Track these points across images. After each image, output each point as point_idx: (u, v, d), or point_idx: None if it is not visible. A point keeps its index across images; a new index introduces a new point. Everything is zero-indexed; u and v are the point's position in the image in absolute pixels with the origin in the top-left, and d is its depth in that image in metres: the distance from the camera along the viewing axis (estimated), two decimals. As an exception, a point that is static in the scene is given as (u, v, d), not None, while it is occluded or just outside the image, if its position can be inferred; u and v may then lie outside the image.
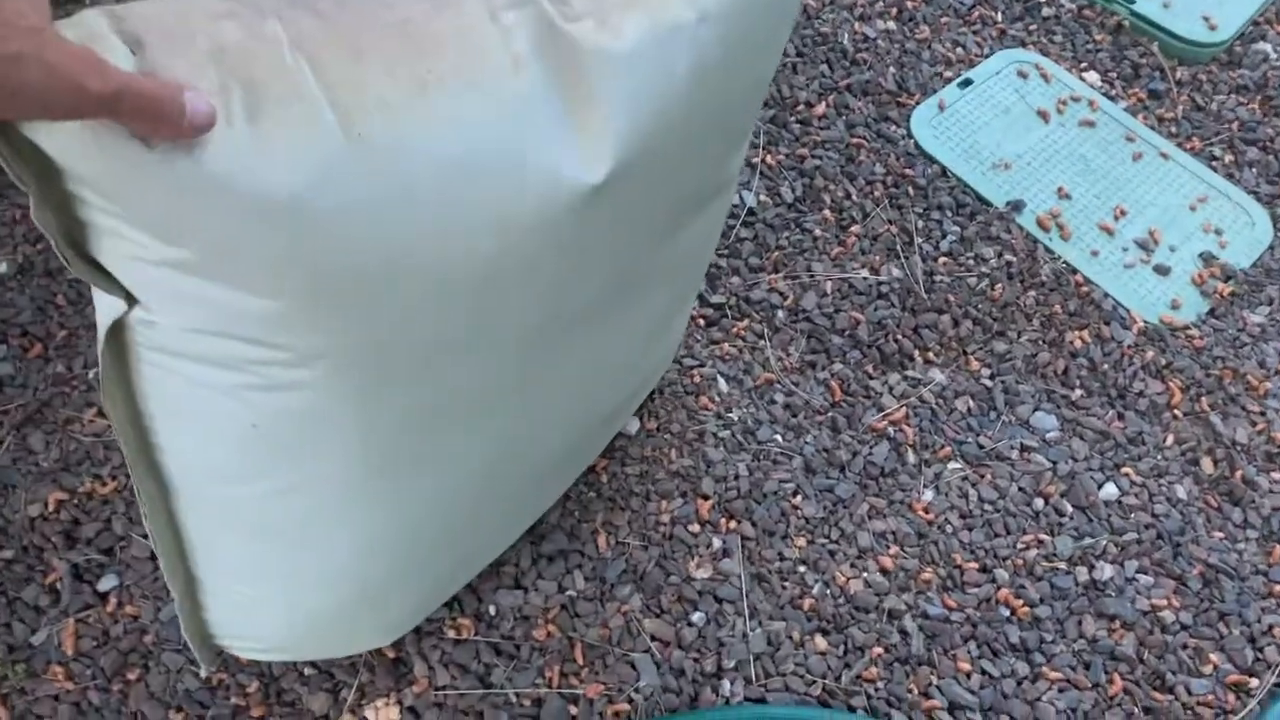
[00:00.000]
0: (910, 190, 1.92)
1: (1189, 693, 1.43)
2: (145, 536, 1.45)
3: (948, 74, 2.12)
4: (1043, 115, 2.08)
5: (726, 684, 1.40)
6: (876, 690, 1.41)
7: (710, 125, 0.98)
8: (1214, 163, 2.08)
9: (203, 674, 1.26)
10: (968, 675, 1.43)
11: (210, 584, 1.12)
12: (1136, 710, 1.42)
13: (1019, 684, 1.42)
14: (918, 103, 2.06)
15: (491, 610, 1.43)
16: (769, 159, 1.92)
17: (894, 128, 2.01)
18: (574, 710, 1.38)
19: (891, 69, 2.10)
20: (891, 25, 2.17)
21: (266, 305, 0.75)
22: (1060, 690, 1.42)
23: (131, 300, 0.78)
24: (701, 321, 1.72)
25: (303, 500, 0.97)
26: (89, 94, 0.55)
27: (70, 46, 0.55)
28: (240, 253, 0.70)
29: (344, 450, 0.92)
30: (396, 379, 0.87)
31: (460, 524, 1.17)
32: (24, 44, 0.51)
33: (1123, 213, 1.96)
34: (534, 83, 0.77)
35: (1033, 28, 2.24)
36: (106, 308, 0.79)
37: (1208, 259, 1.91)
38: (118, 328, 0.80)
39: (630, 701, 1.38)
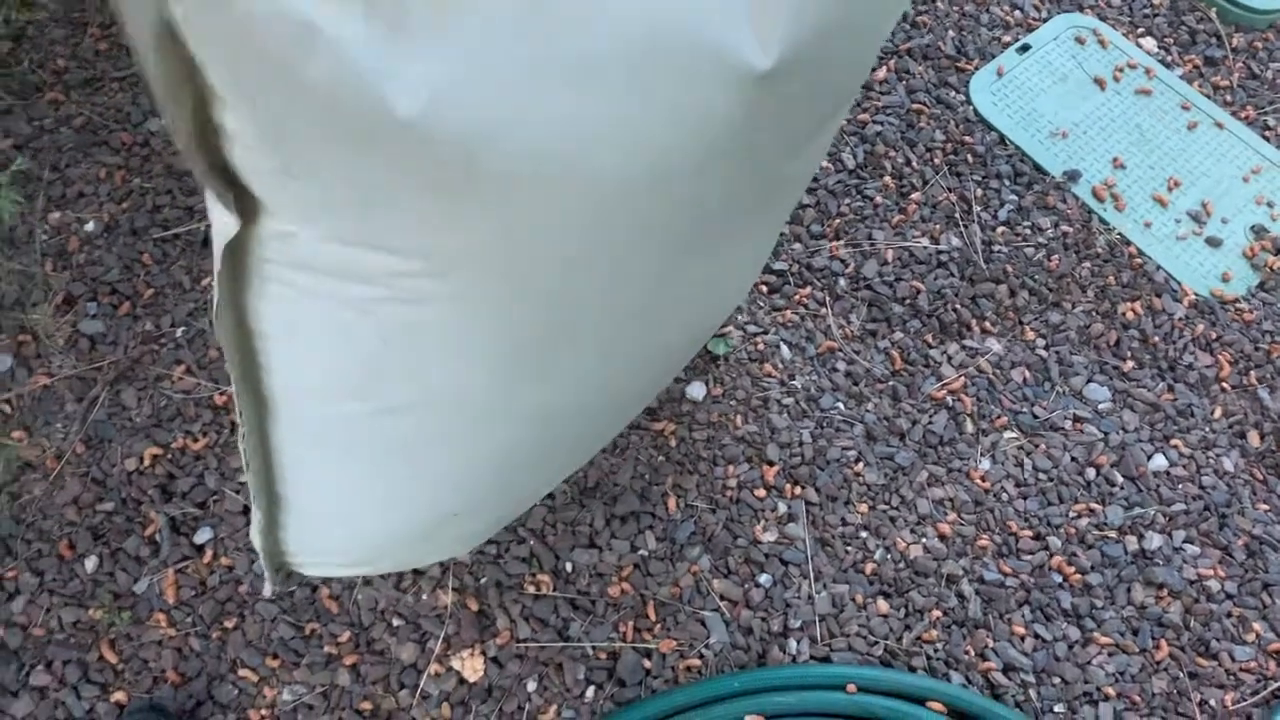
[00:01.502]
0: (969, 158, 1.95)
1: (1232, 659, 1.50)
2: (238, 491, 1.51)
3: (1006, 38, 2.13)
4: (1099, 83, 2.09)
5: (793, 643, 1.47)
6: (935, 651, 1.48)
7: (864, 27, 0.93)
8: (1267, 133, 2.10)
9: (267, 592, 1.29)
10: (1022, 639, 1.50)
11: (297, 503, 1.11)
12: (1182, 675, 1.49)
13: (1070, 648, 1.50)
14: (976, 68, 2.07)
15: (569, 567, 1.50)
16: (830, 125, 1.94)
17: (953, 93, 2.03)
18: (648, 664, 1.45)
19: (951, 32, 2.11)
20: (951, -13, 2.17)
21: (412, 209, 0.72)
22: (1110, 655, 1.49)
23: (248, 217, 0.75)
24: (764, 288, 1.77)
25: (413, 419, 0.95)
26: None
27: None
28: (385, 160, 0.68)
29: (468, 368, 0.90)
30: (532, 294, 0.84)
31: (558, 443, 1.17)
32: None
33: (1176, 184, 1.98)
34: None
35: (1091, -9, 2.23)
36: (222, 226, 0.77)
37: (1259, 232, 1.94)
38: (236, 246, 0.78)
39: (701, 657, 1.46)
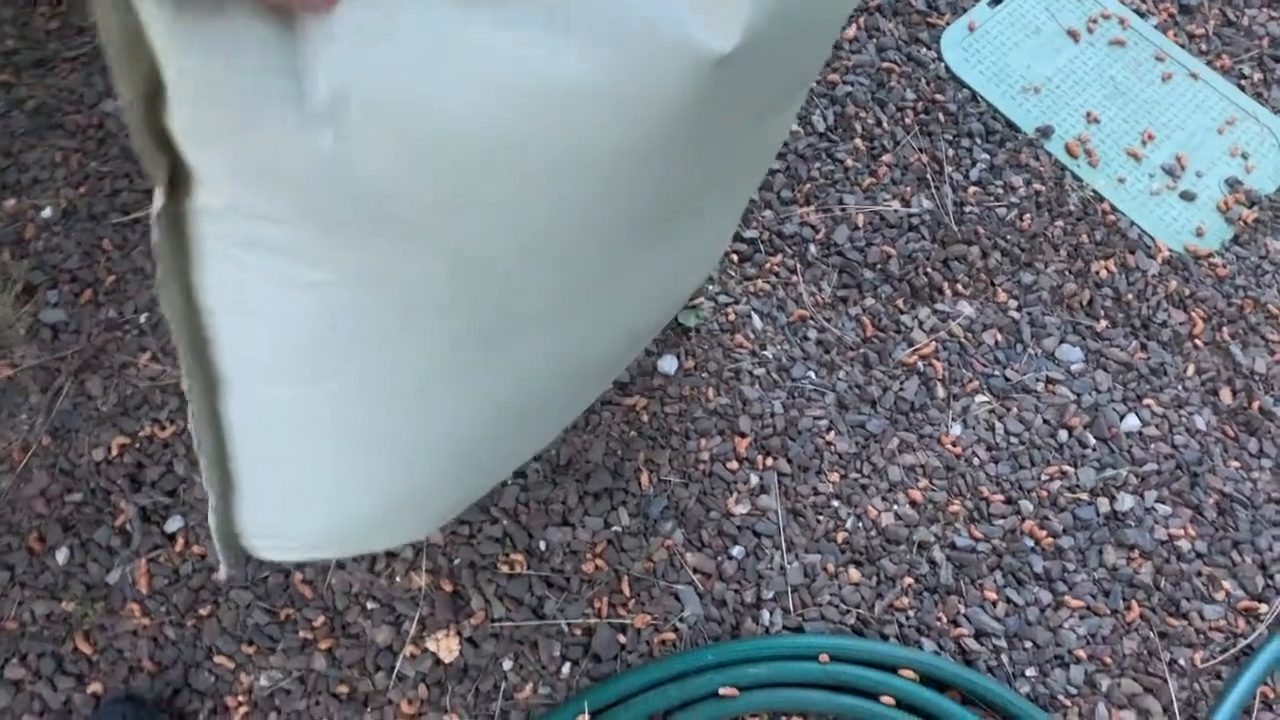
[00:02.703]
0: (941, 116, 1.92)
1: (1202, 618, 1.52)
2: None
3: (978, -9, 2.09)
4: (1073, 35, 2.06)
5: (766, 614, 1.48)
6: (907, 619, 1.49)
7: (827, 6, 0.92)
8: (1243, 82, 2.07)
9: (222, 575, 1.24)
10: (994, 604, 1.51)
11: (249, 484, 1.08)
12: (1152, 635, 1.50)
13: (1042, 611, 1.51)
14: (948, 23, 2.03)
15: (542, 546, 1.51)
16: (800, 86, 1.91)
17: (924, 50, 2.00)
18: (623, 639, 1.46)
19: (922, -13, 2.07)
20: (922, -61, 2.13)
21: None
22: (1081, 617, 1.51)
23: (174, 188, 0.73)
24: (735, 257, 1.75)
25: (367, 400, 0.93)
26: None
27: None
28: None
29: (422, 350, 0.89)
30: (485, 277, 0.83)
31: (519, 423, 1.15)
32: None
33: (1150, 137, 1.96)
34: None
35: (1065, -61, 2.19)
36: (156, 196, 0.75)
37: (1233, 184, 1.93)
38: (178, 218, 0.75)
39: (675, 630, 1.47)
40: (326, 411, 0.93)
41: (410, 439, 1.02)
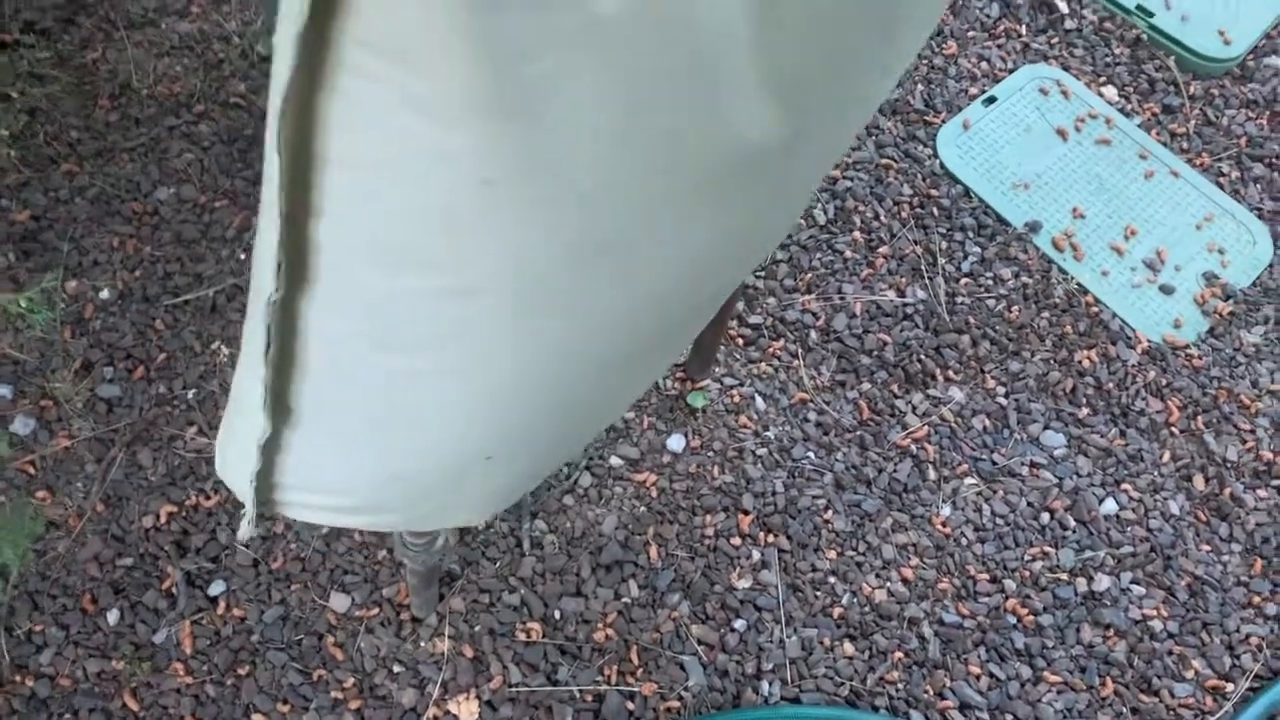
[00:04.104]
0: (935, 211, 2.05)
1: (1172, 695, 1.62)
2: (247, 545, 1.62)
3: (973, 90, 2.23)
4: (1061, 134, 2.20)
5: (765, 685, 1.59)
6: (897, 691, 1.60)
7: None
8: (1221, 179, 2.20)
9: (242, 534, 1.05)
10: (978, 678, 1.62)
11: (311, 414, 0.91)
12: (1125, 711, 1.61)
13: (1022, 686, 1.61)
14: (944, 121, 2.17)
15: (557, 615, 1.62)
16: (804, 181, 2.04)
17: (921, 147, 2.13)
18: (631, 706, 1.57)
19: (920, 86, 2.21)
20: (920, 41, 2.27)
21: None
22: (1059, 692, 1.61)
23: (323, 4, 0.61)
24: (740, 341, 1.88)
25: (470, 307, 0.79)
26: None
27: None
28: None
29: (539, 250, 0.76)
30: (630, 182, 0.76)
31: (591, 378, 1.01)
32: None
33: (1133, 232, 2.09)
34: None
35: (1055, 40, 2.34)
36: (305, 7, 0.62)
37: (1210, 278, 2.06)
38: (321, 41, 0.63)
39: (680, 699, 1.58)
40: (430, 316, 0.79)
41: (502, 372, 0.87)
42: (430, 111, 0.65)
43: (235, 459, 0.96)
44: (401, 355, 0.83)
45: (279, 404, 0.88)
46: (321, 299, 0.78)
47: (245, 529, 1.01)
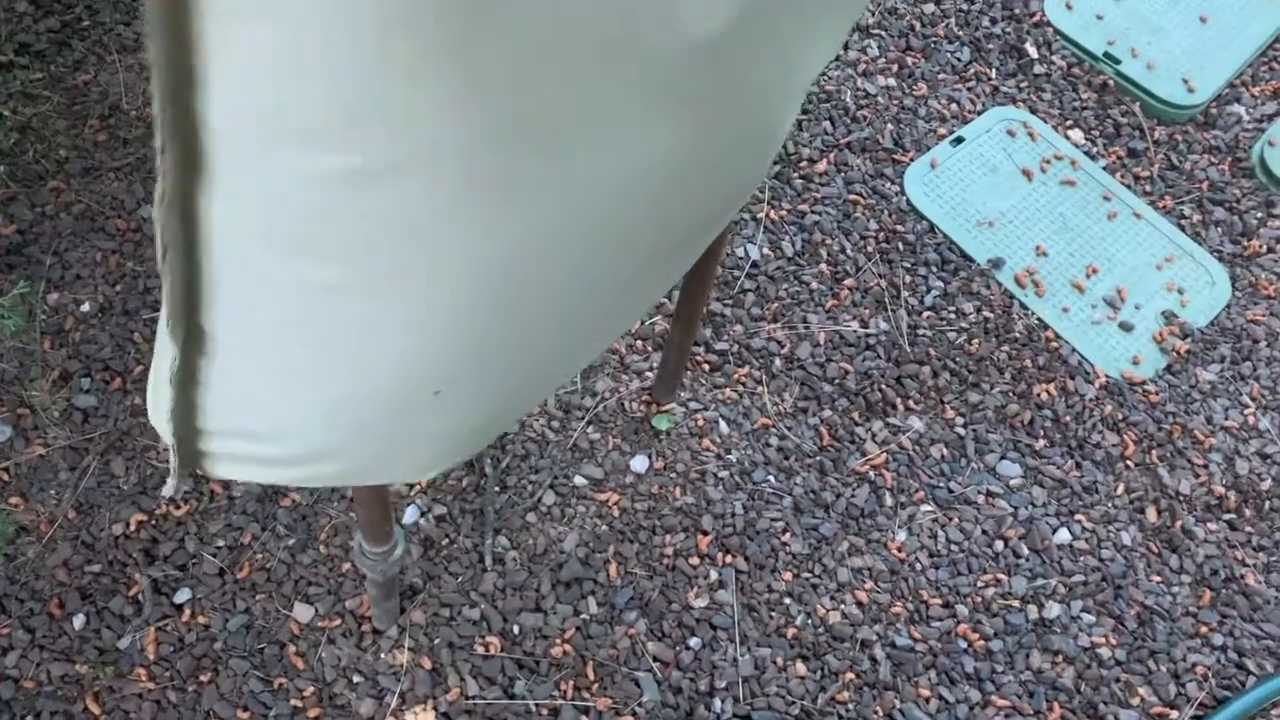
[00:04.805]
0: (900, 245, 2.11)
1: (1117, 721, 1.65)
2: (215, 554, 1.66)
3: (942, 130, 2.29)
4: (1027, 174, 2.26)
5: (718, 702, 1.62)
6: (847, 711, 1.63)
7: None
8: (1183, 221, 2.26)
9: (166, 492, 0.93)
10: (927, 700, 1.64)
11: (223, 341, 0.78)
12: (1071, 735, 1.64)
13: (971, 709, 1.64)
14: (912, 159, 2.23)
15: (516, 630, 1.65)
16: (772, 214, 2.10)
17: (889, 184, 2.19)
18: (585, 720, 1.60)
19: (889, 125, 2.28)
20: (892, 81, 2.34)
21: None
22: (1006, 716, 1.64)
23: None
24: (706, 366, 1.92)
25: (383, 199, 0.66)
26: None
27: None
28: None
29: (463, 117, 0.65)
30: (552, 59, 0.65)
31: (545, 301, 0.87)
32: None
33: (1094, 271, 2.15)
34: None
35: (1024, 84, 2.40)
36: None
37: (1169, 317, 2.11)
38: None
39: (634, 714, 1.60)
40: (346, 208, 0.67)
41: (445, 286, 0.75)
42: None
43: (154, 397, 0.84)
44: (317, 263, 0.71)
45: (188, 325, 0.75)
46: (217, 191, 0.66)
47: (171, 484, 0.90)
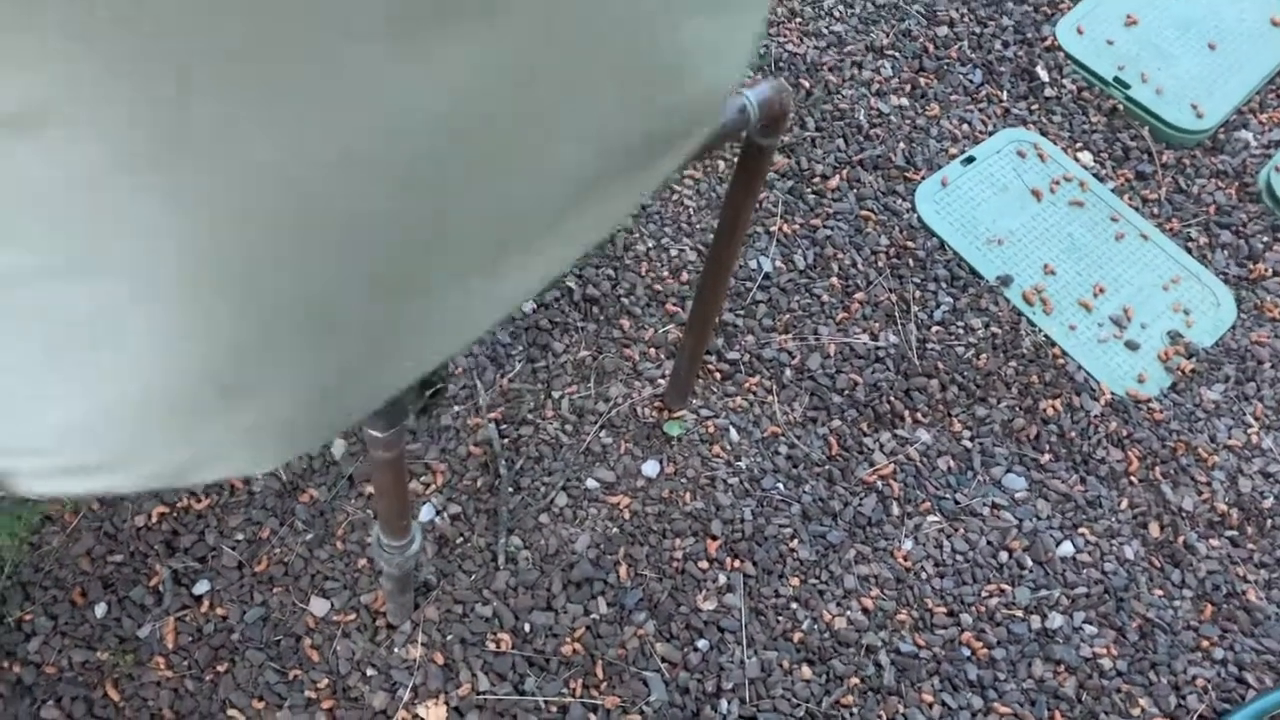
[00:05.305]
0: (910, 261, 2.15)
1: (1118, 731, 1.68)
2: (234, 548, 1.69)
3: (953, 150, 2.34)
4: (1036, 194, 2.30)
5: (724, 703, 1.64)
6: (851, 715, 1.65)
7: None
8: (1189, 244, 2.30)
9: None
10: (930, 706, 1.67)
11: None
12: (1072, 744, 1.66)
13: (973, 715, 1.67)
14: (923, 178, 2.27)
15: (527, 627, 1.68)
16: (785, 227, 2.14)
17: (900, 201, 2.23)
18: (593, 718, 1.62)
19: (901, 144, 2.32)
20: (905, 101, 2.38)
21: None
22: (1008, 723, 1.67)
23: None
24: (718, 375, 1.96)
25: (41, 157, 0.46)
26: None
27: None
28: None
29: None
30: None
31: (360, 250, 0.63)
32: None
33: (1101, 290, 2.18)
34: None
35: (1034, 107, 2.45)
36: None
37: (1174, 337, 2.14)
38: None
39: (642, 713, 1.63)
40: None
41: (169, 261, 0.53)
42: None
43: None
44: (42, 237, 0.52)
45: None
46: None
47: None
